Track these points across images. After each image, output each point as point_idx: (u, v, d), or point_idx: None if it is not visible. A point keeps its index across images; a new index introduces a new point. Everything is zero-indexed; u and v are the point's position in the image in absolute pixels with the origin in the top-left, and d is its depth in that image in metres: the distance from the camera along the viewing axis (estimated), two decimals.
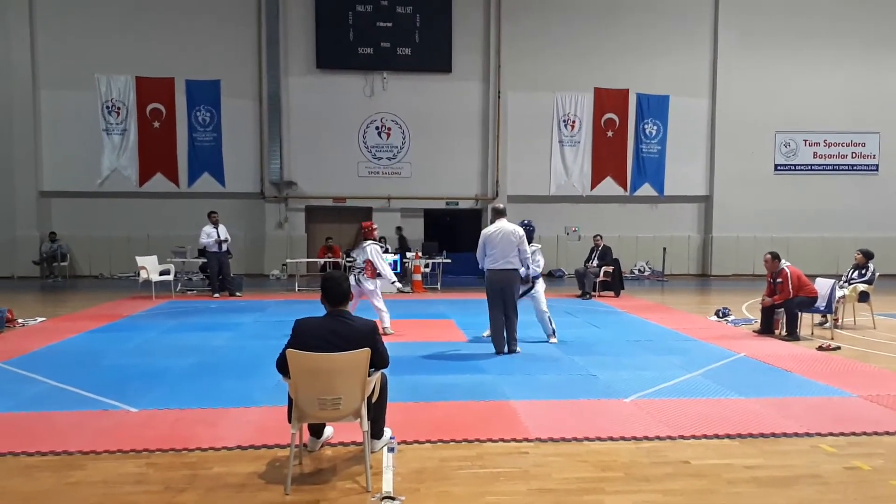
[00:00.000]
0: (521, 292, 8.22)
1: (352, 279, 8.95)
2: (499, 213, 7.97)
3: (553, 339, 8.76)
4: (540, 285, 8.87)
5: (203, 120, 18.52)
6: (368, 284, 9.08)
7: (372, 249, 9.10)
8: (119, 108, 18.22)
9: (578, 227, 19.55)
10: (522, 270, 7.94)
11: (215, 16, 18.33)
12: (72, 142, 18.13)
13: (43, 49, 17.94)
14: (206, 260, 14.29)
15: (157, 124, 18.41)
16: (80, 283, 16.89)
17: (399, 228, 18.83)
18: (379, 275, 9.12)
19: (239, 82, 18.49)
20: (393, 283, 9.47)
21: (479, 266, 8.11)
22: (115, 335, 9.21)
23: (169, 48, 18.20)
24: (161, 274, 13.69)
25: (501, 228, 7.80)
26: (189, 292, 14.58)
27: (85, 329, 9.59)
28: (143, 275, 13.26)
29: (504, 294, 7.82)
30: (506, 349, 7.94)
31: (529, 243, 9.13)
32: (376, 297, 9.15)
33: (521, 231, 7.81)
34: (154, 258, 14.08)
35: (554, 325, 8.91)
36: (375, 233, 9.43)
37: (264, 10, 18.25)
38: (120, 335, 9.19)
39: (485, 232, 7.93)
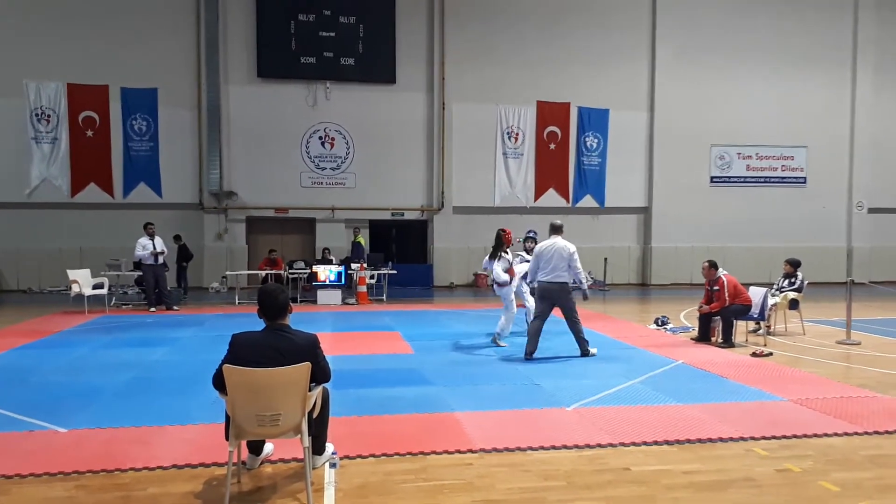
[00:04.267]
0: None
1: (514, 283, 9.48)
2: (555, 230, 8.60)
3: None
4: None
5: (139, 129, 18.00)
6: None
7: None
8: (49, 116, 17.55)
9: (521, 238, 19.71)
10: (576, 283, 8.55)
11: (152, 22, 17.87)
12: None
13: None
14: (141, 273, 13.86)
15: (90, 133, 17.80)
16: (8, 298, 16.13)
17: (178, 237, 16.57)
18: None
19: (177, 91, 18.06)
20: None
21: (529, 279, 9.08)
22: (44, 352, 8.81)
23: (103, 54, 17.64)
24: (94, 288, 13.21)
25: (554, 244, 8.41)
26: (124, 306, 14.10)
27: (12, 346, 9.15)
28: (76, 289, 12.79)
29: (554, 304, 8.50)
30: (580, 350, 8.54)
31: (529, 253, 10.12)
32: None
33: (572, 248, 8.36)
34: (87, 271, 13.60)
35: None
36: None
37: (203, 18, 17.91)
38: (50, 352, 8.80)
39: (539, 246, 8.62)
